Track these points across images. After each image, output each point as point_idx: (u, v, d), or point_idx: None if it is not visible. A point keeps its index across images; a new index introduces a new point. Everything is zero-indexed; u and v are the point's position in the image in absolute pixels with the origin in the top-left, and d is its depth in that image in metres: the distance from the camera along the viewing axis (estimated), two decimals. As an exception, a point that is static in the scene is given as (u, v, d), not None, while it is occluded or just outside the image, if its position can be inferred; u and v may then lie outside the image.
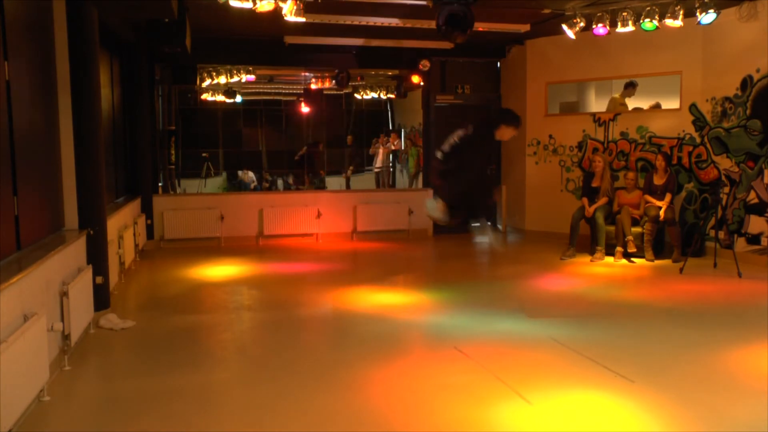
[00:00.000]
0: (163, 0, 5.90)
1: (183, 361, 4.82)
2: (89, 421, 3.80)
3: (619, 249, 8.49)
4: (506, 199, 11.44)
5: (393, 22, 8.67)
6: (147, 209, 9.58)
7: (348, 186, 16.24)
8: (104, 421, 3.78)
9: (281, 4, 6.27)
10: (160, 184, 11.08)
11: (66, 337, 4.59)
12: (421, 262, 8.57)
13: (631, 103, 10.06)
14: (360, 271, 8.68)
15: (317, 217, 10.47)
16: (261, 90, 16.19)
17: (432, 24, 7.02)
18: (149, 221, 9.62)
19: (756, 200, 8.15)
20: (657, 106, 9.81)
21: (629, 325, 5.68)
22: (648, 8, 7.62)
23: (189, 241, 9.90)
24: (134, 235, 8.23)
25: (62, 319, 4.59)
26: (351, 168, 16.71)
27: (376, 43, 10.27)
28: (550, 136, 10.51)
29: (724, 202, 8.29)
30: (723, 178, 8.51)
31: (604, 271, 8.08)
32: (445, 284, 7.09)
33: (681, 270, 7.77)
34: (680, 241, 8.58)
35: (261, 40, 10.01)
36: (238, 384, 4.38)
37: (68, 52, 5.68)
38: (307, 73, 13.60)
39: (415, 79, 11.41)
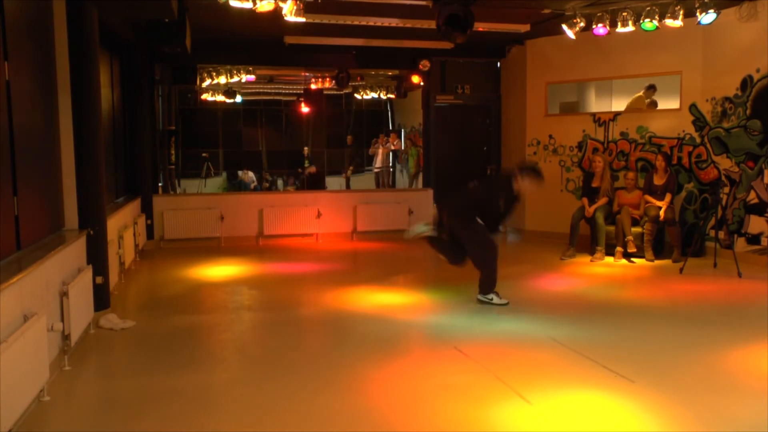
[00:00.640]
0: (163, 0, 5.89)
1: (183, 361, 4.82)
2: (89, 421, 3.80)
3: (619, 249, 8.49)
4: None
5: (393, 22, 8.67)
6: (147, 209, 9.58)
7: (348, 186, 16.23)
8: (104, 421, 3.78)
9: (281, 4, 6.27)
10: (160, 184, 11.08)
11: (66, 337, 4.59)
12: (421, 262, 8.56)
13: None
14: (360, 271, 8.68)
15: (317, 217, 10.47)
16: (261, 90, 16.18)
17: (432, 24, 7.03)
18: (149, 221, 9.62)
19: (756, 200, 8.15)
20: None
21: (629, 325, 5.68)
22: (648, 8, 7.62)
23: (189, 241, 9.90)
24: (134, 235, 8.23)
25: (62, 319, 4.59)
26: (351, 168, 16.70)
27: (376, 43, 10.27)
28: (550, 136, 10.51)
29: (724, 202, 8.29)
30: (723, 178, 8.51)
31: (604, 271, 8.08)
32: (445, 284, 7.08)
33: (681, 270, 7.77)
34: (680, 241, 8.58)
35: (261, 40, 10.01)
36: (238, 384, 4.38)
37: (68, 52, 5.68)
38: (307, 73, 13.60)
39: (415, 79, 11.42)
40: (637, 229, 8.54)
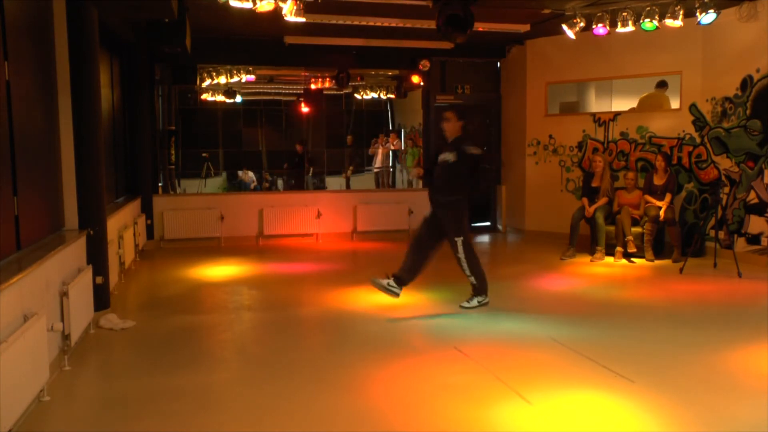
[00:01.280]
0: (163, 0, 5.89)
1: (183, 361, 4.82)
2: (89, 421, 3.80)
3: (619, 249, 8.49)
4: (506, 199, 11.45)
5: (393, 22, 8.67)
6: (147, 209, 9.58)
7: (348, 186, 16.24)
8: (104, 421, 3.78)
9: (281, 4, 6.27)
10: (160, 184, 11.08)
11: (66, 337, 4.59)
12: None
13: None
14: (360, 271, 8.67)
15: (317, 217, 10.47)
16: (261, 90, 16.19)
17: (432, 24, 7.03)
18: (149, 221, 9.62)
19: (756, 200, 8.15)
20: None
21: (629, 325, 5.68)
22: (648, 8, 7.62)
23: (189, 241, 9.90)
24: (134, 235, 8.23)
25: (62, 319, 4.59)
26: (351, 168, 16.72)
27: (375, 43, 10.27)
28: (550, 136, 10.51)
29: (724, 202, 8.28)
30: (723, 178, 8.51)
31: (604, 271, 8.08)
32: (445, 284, 7.08)
33: (681, 270, 7.77)
34: (680, 241, 8.58)
35: (261, 40, 10.01)
36: (238, 384, 4.38)
37: (68, 52, 5.68)
38: (306, 73, 13.60)
39: (415, 79, 11.42)
40: (637, 229, 8.54)
